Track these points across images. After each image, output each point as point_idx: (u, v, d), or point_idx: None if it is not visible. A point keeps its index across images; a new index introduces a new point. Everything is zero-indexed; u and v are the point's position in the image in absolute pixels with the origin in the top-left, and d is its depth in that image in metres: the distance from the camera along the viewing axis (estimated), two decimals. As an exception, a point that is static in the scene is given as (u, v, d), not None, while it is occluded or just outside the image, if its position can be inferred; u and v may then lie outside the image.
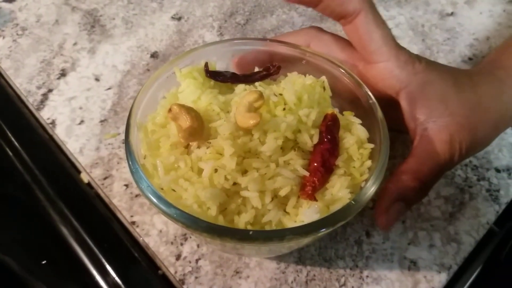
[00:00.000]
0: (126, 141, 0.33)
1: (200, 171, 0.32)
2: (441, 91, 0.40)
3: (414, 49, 0.57)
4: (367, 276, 0.40)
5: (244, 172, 0.33)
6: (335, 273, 0.40)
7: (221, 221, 0.31)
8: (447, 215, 0.43)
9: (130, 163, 0.32)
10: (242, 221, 0.31)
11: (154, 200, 0.30)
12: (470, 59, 0.57)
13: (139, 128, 0.35)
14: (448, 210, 0.44)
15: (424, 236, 0.42)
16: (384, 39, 0.39)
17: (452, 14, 0.62)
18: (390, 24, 0.59)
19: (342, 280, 0.39)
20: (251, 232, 0.29)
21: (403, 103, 0.40)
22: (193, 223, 0.29)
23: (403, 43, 0.58)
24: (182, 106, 0.33)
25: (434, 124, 0.39)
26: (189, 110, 0.33)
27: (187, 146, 0.34)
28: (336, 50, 0.42)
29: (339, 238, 0.41)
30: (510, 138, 0.49)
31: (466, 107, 0.40)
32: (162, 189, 0.32)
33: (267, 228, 0.32)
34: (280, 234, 0.29)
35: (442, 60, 0.56)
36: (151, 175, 0.33)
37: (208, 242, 0.37)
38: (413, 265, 0.40)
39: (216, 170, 0.31)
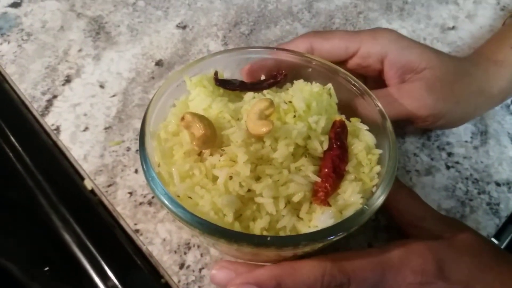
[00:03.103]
0: (142, 149, 0.34)
1: (214, 178, 0.33)
2: (419, 50, 0.44)
3: (416, 62, 0.58)
4: (369, 288, 0.40)
5: (258, 179, 0.33)
6: (337, 284, 0.40)
7: (237, 227, 0.32)
8: (448, 228, 0.44)
9: (146, 171, 0.33)
10: (257, 227, 0.32)
11: (172, 207, 0.31)
12: (471, 73, 0.57)
13: (152, 137, 0.36)
14: (449, 223, 0.44)
15: (426, 248, 0.42)
16: None
17: (453, 28, 0.63)
18: (392, 37, 0.60)
19: (345, 291, 0.39)
20: (268, 238, 0.29)
21: (385, 67, 0.45)
22: (213, 230, 0.30)
23: (405, 56, 0.58)
24: (194, 115, 0.33)
25: (412, 76, 0.44)
26: (201, 118, 0.33)
27: (200, 154, 0.35)
28: (338, 42, 0.45)
29: (342, 250, 0.42)
30: (510, 152, 0.50)
31: (445, 64, 0.44)
32: (178, 196, 0.32)
33: (282, 233, 0.32)
34: (297, 240, 0.30)
35: (443, 74, 0.57)
36: (167, 183, 0.33)
37: (216, 246, 0.38)
38: (414, 277, 0.40)
39: (231, 177, 0.32)
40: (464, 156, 0.49)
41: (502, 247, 0.50)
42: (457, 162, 0.49)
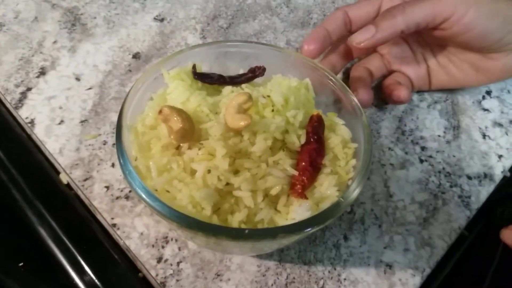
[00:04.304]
0: (118, 142, 0.33)
1: (193, 172, 0.33)
2: None
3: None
4: (345, 279, 0.41)
5: (236, 172, 0.34)
6: (314, 276, 0.41)
7: (215, 220, 0.32)
8: (421, 220, 0.45)
9: (123, 164, 0.32)
10: (235, 220, 0.32)
11: (150, 201, 0.30)
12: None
13: (129, 130, 0.35)
14: (422, 215, 0.45)
15: (400, 240, 0.43)
16: None
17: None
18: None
19: (321, 282, 0.40)
20: (246, 231, 0.30)
21: None
22: (191, 224, 0.30)
23: (382, 51, 0.59)
24: (172, 108, 0.33)
25: None
26: (180, 112, 0.33)
27: (178, 147, 0.35)
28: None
29: (318, 242, 0.42)
30: (481, 146, 0.51)
31: None
32: (156, 190, 0.32)
33: (260, 226, 0.33)
34: (274, 232, 0.31)
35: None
36: (144, 176, 0.33)
37: (194, 240, 0.38)
38: (388, 269, 0.42)
39: (209, 171, 0.32)
40: (437, 150, 0.50)
41: (472, 238, 0.51)
42: (430, 156, 0.50)
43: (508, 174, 0.50)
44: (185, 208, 0.31)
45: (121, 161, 0.33)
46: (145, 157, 0.34)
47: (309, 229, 0.31)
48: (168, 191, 0.32)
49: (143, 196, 0.31)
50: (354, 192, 0.33)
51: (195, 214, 0.31)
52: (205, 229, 0.30)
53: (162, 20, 0.59)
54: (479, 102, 0.56)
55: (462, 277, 0.53)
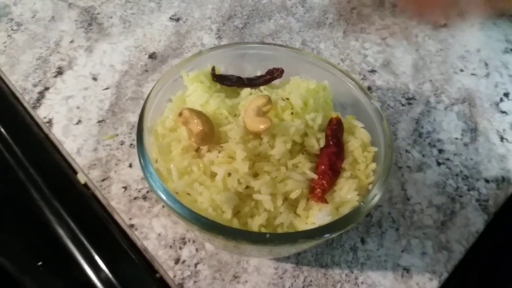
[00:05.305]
0: (140, 145, 0.34)
1: (213, 175, 0.33)
2: None
3: (408, 59, 0.58)
4: (362, 283, 0.40)
5: (255, 176, 0.34)
6: (331, 279, 0.40)
7: (235, 224, 0.32)
8: (438, 224, 0.45)
9: (145, 166, 0.33)
10: (255, 224, 0.32)
11: (171, 204, 0.31)
12: (461, 70, 0.58)
13: (149, 132, 0.35)
14: (439, 218, 0.45)
15: (417, 243, 0.43)
16: None
17: (444, 25, 0.64)
18: (384, 33, 0.61)
19: (338, 286, 0.40)
20: (267, 235, 0.30)
21: None
22: (212, 227, 0.30)
23: (398, 52, 0.59)
24: (192, 111, 0.33)
25: None
26: (200, 114, 0.33)
27: (198, 150, 0.35)
28: None
29: (335, 245, 0.42)
30: (499, 149, 0.51)
31: None
32: (177, 193, 0.32)
33: (279, 230, 0.33)
34: (294, 237, 0.31)
35: (434, 71, 0.57)
36: (165, 179, 0.33)
37: (212, 242, 0.38)
38: (406, 272, 0.41)
39: (229, 174, 0.32)
40: (455, 153, 0.50)
41: (489, 242, 0.51)
42: (448, 159, 0.49)
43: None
44: (206, 211, 0.32)
45: (142, 163, 0.33)
46: (166, 159, 0.34)
47: (329, 235, 0.31)
48: (189, 194, 0.32)
49: (165, 198, 0.31)
50: (375, 197, 0.33)
51: (215, 217, 0.31)
52: (226, 232, 0.30)
53: (178, 20, 0.59)
54: (497, 105, 0.55)
55: (479, 281, 0.52)
